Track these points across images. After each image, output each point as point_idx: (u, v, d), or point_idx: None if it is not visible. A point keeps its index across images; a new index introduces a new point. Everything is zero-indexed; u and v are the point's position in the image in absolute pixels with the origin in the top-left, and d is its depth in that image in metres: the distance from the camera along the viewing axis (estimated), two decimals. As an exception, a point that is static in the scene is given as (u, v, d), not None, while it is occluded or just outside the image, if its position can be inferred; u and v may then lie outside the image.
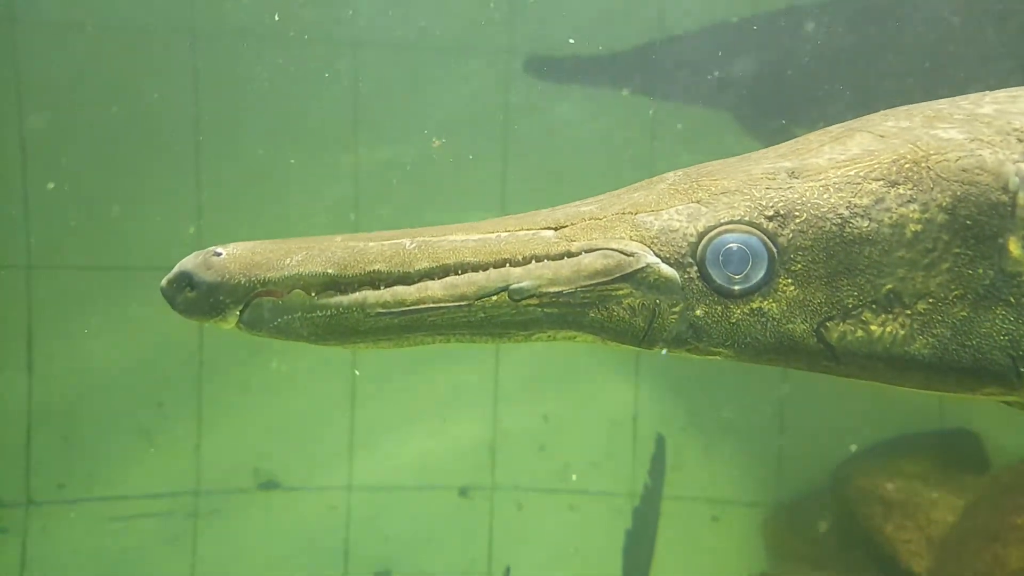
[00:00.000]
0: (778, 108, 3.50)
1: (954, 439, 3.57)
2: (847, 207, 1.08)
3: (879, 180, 1.08)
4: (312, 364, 3.95)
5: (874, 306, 1.07)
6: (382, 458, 3.99)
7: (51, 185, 3.71)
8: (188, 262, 1.08)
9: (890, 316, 1.07)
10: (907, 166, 1.09)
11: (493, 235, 1.11)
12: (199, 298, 1.06)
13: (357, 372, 3.96)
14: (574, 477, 4.06)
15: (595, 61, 3.79)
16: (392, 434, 3.99)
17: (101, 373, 3.77)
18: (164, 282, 1.08)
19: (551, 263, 1.08)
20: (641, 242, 1.09)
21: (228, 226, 3.83)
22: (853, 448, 3.74)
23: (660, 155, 4.01)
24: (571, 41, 3.86)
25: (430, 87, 4.05)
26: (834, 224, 1.07)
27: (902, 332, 1.07)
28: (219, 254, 1.08)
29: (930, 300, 1.06)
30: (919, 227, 1.06)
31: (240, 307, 1.06)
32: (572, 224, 1.12)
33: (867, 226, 1.07)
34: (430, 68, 4.07)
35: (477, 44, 3.96)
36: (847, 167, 1.11)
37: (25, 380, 3.69)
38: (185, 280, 1.07)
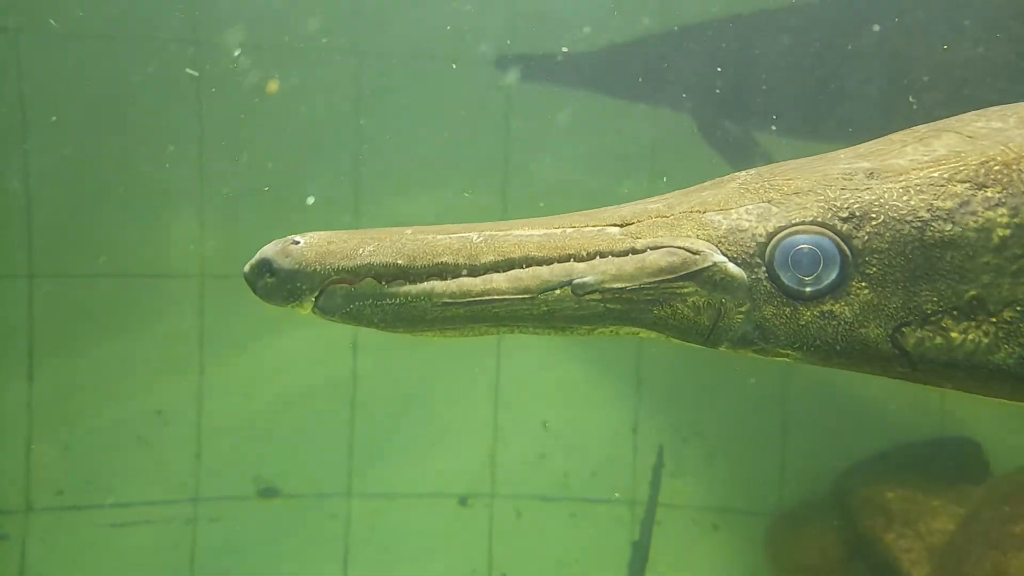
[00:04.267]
0: (739, 114, 3.50)
1: (955, 447, 3.55)
2: (928, 210, 1.04)
3: (965, 182, 1.04)
4: (312, 371, 3.96)
5: (955, 313, 1.03)
6: (382, 466, 3.99)
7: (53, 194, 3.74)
8: (268, 249, 1.11)
9: (972, 323, 1.03)
10: (996, 168, 1.04)
11: (558, 230, 1.11)
12: (278, 284, 1.10)
13: (357, 381, 3.97)
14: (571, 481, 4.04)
15: (563, 61, 3.81)
16: (392, 442, 3.99)
17: (101, 381, 3.78)
18: (247, 268, 1.12)
19: (615, 259, 1.08)
20: (708, 241, 1.08)
21: (229, 235, 3.85)
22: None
23: (660, 164, 4.01)
24: (561, 47, 3.89)
25: (430, 95, 4.07)
26: (914, 227, 1.04)
27: (985, 340, 1.03)
28: (297, 242, 1.11)
29: (1017, 308, 1.02)
30: (1007, 232, 1.02)
31: (316, 293, 1.09)
32: (638, 221, 1.12)
33: (950, 230, 1.03)
34: (430, 76, 4.09)
35: (477, 52, 3.97)
36: (930, 168, 1.07)
37: (25, 388, 3.70)
38: (265, 267, 1.10)
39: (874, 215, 1.05)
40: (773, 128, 3.46)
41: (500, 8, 4.07)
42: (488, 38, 4.00)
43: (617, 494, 3.98)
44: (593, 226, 1.12)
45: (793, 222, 1.06)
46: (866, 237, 1.05)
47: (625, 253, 1.08)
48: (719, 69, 3.52)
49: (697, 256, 1.06)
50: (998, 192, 1.03)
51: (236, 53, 3.85)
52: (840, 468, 3.70)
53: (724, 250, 1.07)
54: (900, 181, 1.07)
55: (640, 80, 3.72)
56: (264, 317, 3.83)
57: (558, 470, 4.06)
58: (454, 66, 4.07)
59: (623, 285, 1.07)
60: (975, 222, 1.03)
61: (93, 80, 3.81)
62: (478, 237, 1.10)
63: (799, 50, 3.31)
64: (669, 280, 1.07)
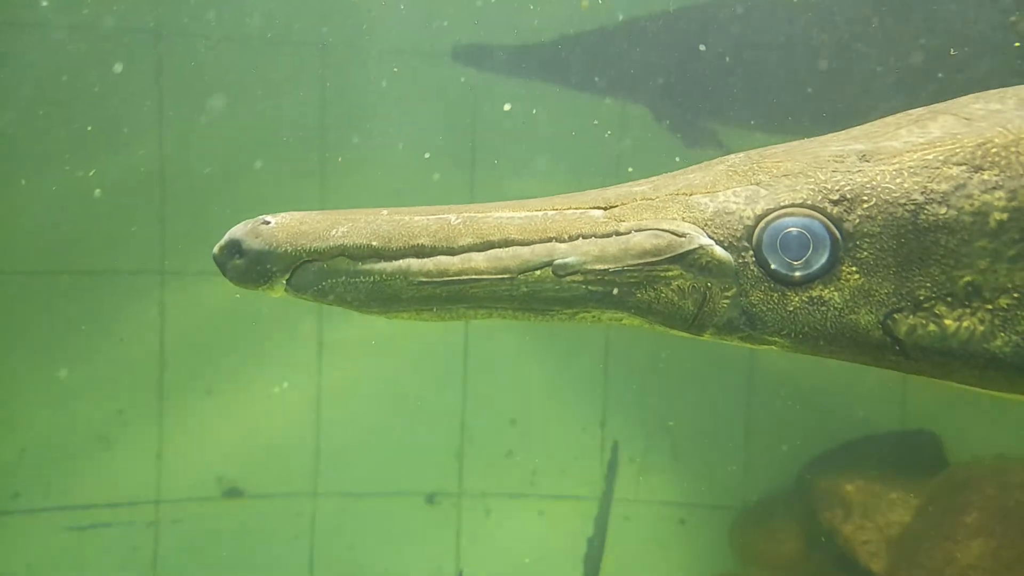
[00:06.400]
0: (694, 104, 3.53)
1: (914, 440, 3.63)
2: (923, 192, 1.01)
3: (961, 165, 1.01)
4: (276, 369, 3.91)
5: (949, 299, 1.00)
6: (348, 464, 3.96)
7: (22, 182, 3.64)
8: (238, 230, 1.09)
9: (967, 310, 0.99)
10: (994, 150, 1.01)
11: (539, 213, 1.09)
12: (247, 265, 1.07)
13: (322, 374, 3.93)
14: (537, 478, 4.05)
15: (518, 51, 3.81)
16: (358, 440, 3.96)
17: (59, 379, 3.69)
18: (216, 249, 1.09)
19: (599, 240, 1.06)
20: (694, 223, 1.05)
21: (191, 230, 3.79)
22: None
23: (626, 155, 4.03)
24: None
25: (397, 89, 4.04)
26: (907, 210, 1.01)
27: (981, 328, 0.99)
28: (268, 223, 1.08)
29: (1015, 295, 0.98)
30: (1004, 216, 0.98)
31: (287, 275, 1.07)
32: (622, 204, 1.09)
33: (945, 213, 1.00)
34: (397, 71, 4.07)
35: (441, 44, 3.95)
36: (925, 150, 1.04)
37: (-20, 388, 3.61)
38: (234, 248, 1.07)
39: (866, 198, 1.02)
40: (729, 118, 3.50)
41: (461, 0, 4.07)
42: (451, 29, 3.99)
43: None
44: (576, 208, 1.09)
45: (782, 204, 1.04)
46: (857, 220, 1.02)
47: (609, 235, 1.06)
48: (665, 61, 3.55)
49: (683, 239, 1.04)
50: (995, 175, 1.00)
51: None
52: (803, 461, 3.76)
53: (710, 233, 1.05)
54: (893, 163, 1.04)
55: (595, 69, 3.73)
56: (227, 314, 3.80)
57: (526, 467, 4.06)
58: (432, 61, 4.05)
59: (606, 267, 1.05)
60: (971, 205, 1.00)
61: (52, 72, 3.72)
62: (456, 219, 1.08)
63: (754, 40, 3.35)
64: (653, 263, 1.04)
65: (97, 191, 3.72)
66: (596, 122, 4.00)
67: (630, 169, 3.90)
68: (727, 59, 3.37)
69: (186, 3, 3.85)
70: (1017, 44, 2.80)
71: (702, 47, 3.34)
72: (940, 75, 2.91)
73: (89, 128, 3.73)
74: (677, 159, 3.61)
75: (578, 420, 4.07)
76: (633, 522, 4.00)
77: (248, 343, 3.86)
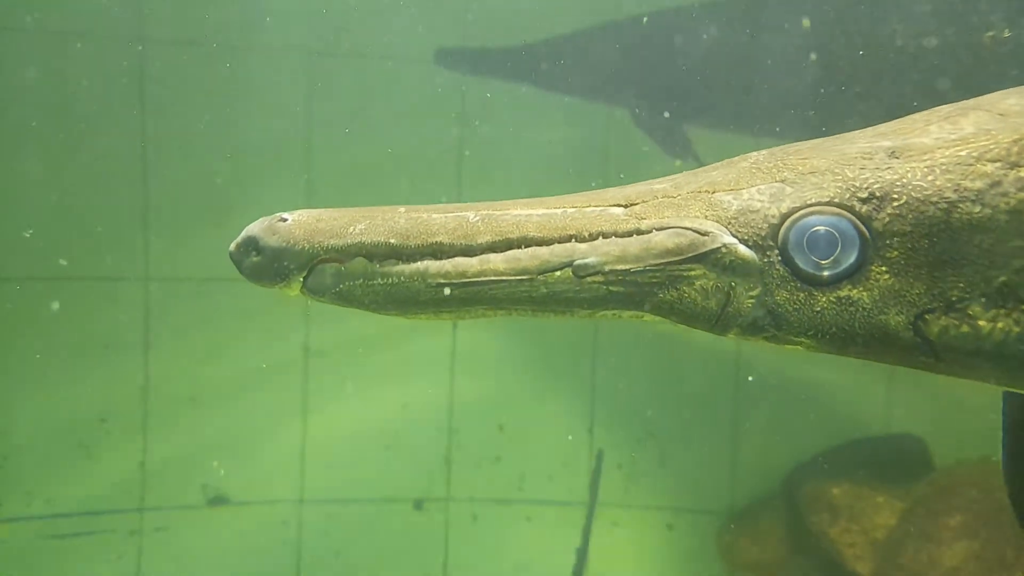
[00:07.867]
0: (674, 107, 3.54)
1: (900, 444, 3.65)
2: (955, 190, 0.98)
3: (996, 162, 0.98)
4: (262, 376, 3.89)
5: (983, 300, 0.97)
6: (334, 470, 3.94)
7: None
8: (255, 227, 1.07)
9: (1002, 311, 0.97)
10: None
11: (559, 210, 1.07)
12: (264, 263, 1.06)
13: (308, 382, 3.91)
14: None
15: (500, 54, 3.82)
16: (345, 446, 3.94)
17: (41, 387, 3.65)
18: (232, 246, 1.08)
19: (619, 240, 1.03)
20: (718, 222, 1.03)
21: (176, 236, 3.76)
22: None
23: (615, 162, 4.04)
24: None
25: (383, 96, 4.04)
26: (939, 209, 0.98)
27: (1016, 329, 0.97)
28: (285, 220, 1.07)
29: None
30: None
31: (303, 273, 1.05)
32: (643, 202, 1.07)
33: (979, 212, 0.97)
34: (383, 77, 4.06)
35: (428, 49, 3.95)
36: (957, 147, 1.01)
37: (-40, 395, 3.56)
38: (251, 245, 1.06)
39: (896, 196, 1.00)
40: (705, 121, 3.52)
41: (449, 4, 4.07)
42: (437, 34, 3.99)
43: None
44: (595, 206, 1.07)
45: (808, 203, 1.02)
46: (887, 219, 1.00)
47: (629, 234, 1.04)
48: (645, 66, 3.56)
49: (706, 237, 1.02)
50: None
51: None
52: (790, 465, 3.78)
53: (734, 231, 1.03)
54: (924, 160, 1.01)
55: (575, 74, 3.74)
56: (211, 320, 3.77)
57: (514, 473, 4.06)
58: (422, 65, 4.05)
59: (627, 267, 1.03)
60: (1007, 204, 0.97)
61: (34, 77, 3.69)
62: (475, 216, 1.06)
63: (728, 44, 3.36)
64: (676, 262, 1.02)
65: (81, 197, 3.69)
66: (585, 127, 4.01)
67: (621, 175, 3.91)
68: (705, 64, 3.39)
69: (169, 11, 3.83)
70: (993, 34, 2.81)
71: (677, 51, 3.36)
72: (915, 77, 2.94)
73: (72, 133, 3.70)
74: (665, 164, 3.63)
75: (566, 425, 4.07)
76: (621, 527, 4.00)
77: (233, 349, 3.84)
